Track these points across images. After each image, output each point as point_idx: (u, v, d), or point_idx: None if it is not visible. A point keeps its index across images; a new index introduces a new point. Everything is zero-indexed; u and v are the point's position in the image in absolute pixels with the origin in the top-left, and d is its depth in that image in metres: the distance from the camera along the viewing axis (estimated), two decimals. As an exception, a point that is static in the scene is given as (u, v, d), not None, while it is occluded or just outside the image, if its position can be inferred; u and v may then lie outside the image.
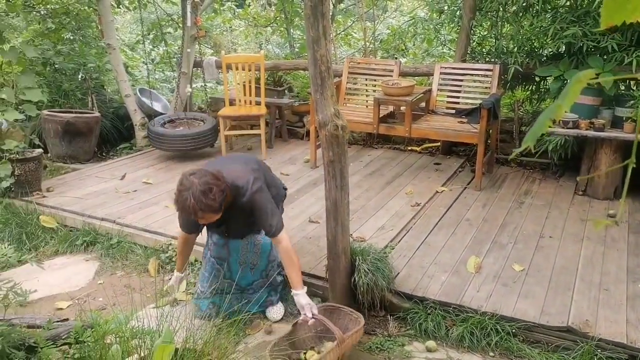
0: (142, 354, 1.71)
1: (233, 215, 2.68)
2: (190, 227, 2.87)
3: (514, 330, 2.69)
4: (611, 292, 2.93)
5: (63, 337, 2.12)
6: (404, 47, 6.97)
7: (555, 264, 3.25)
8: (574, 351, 2.56)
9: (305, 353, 2.56)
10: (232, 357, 1.75)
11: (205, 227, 2.92)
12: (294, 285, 2.72)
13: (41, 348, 2.02)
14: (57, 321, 2.27)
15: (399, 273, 3.14)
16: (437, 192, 4.41)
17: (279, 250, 2.78)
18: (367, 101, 5.26)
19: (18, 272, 3.48)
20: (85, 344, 2.07)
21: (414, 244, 3.52)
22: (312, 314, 2.61)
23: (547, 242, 3.54)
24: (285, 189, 3.14)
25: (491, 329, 2.70)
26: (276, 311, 3.01)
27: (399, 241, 3.56)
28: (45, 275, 3.43)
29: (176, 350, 1.68)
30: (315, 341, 2.65)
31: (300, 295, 2.69)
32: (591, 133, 4.09)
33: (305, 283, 3.10)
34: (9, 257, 2.07)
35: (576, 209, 4.07)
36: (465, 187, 4.51)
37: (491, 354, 2.67)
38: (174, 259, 3.55)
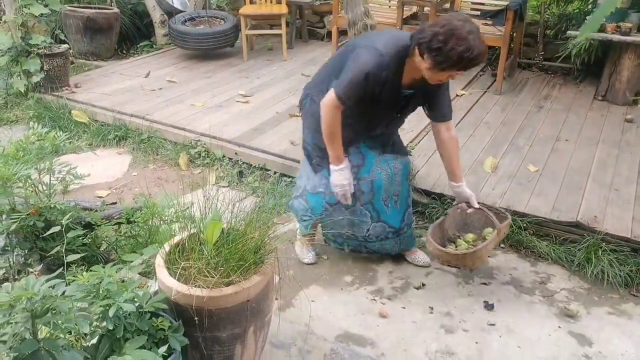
0: (192, 232, 1.90)
1: (420, 85, 2.38)
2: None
3: (525, 225, 2.88)
4: (621, 192, 3.08)
5: (115, 218, 2.33)
6: (429, -57, 6.66)
7: (569, 166, 3.38)
8: (580, 243, 2.75)
9: (454, 241, 2.57)
10: (272, 235, 1.94)
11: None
12: (459, 177, 2.54)
13: (98, 226, 2.23)
14: (108, 204, 2.48)
15: (418, 171, 3.29)
16: (457, 95, 4.46)
17: (450, 138, 2.54)
18: (390, 1, 5.16)
19: (60, 162, 3.67)
20: (136, 224, 2.28)
21: (433, 145, 3.58)
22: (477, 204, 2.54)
23: (563, 145, 3.65)
24: None
25: (504, 222, 2.88)
26: (423, 257, 2.80)
27: (419, 142, 3.69)
28: (82, 166, 3.61)
29: (222, 229, 1.86)
30: (455, 232, 2.63)
31: (464, 186, 2.55)
32: (617, 37, 4.05)
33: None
34: (63, 143, 2.23)
35: (594, 114, 4.13)
36: (486, 91, 4.55)
37: (502, 245, 2.88)
38: (202, 154, 3.71)
